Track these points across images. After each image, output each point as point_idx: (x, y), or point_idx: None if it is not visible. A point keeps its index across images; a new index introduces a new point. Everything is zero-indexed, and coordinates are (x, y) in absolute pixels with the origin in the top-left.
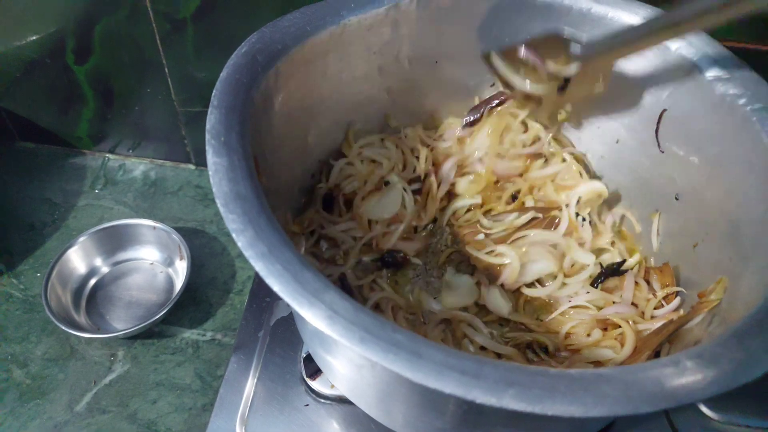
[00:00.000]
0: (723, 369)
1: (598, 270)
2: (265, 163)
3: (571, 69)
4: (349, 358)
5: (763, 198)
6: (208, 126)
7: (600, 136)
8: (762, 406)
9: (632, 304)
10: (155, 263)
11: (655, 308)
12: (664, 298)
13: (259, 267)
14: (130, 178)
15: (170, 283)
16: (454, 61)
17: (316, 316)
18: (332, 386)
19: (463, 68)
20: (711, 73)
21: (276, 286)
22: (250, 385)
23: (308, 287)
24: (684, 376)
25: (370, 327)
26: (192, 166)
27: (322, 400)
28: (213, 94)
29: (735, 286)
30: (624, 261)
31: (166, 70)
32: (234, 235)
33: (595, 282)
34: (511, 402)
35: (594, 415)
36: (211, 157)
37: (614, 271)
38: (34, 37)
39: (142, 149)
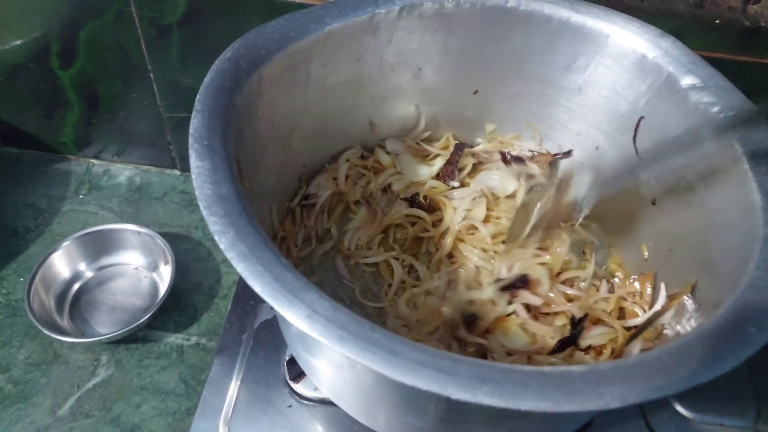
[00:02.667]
0: (690, 366)
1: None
2: (248, 167)
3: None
4: (330, 359)
5: (733, 203)
6: (191, 130)
7: (580, 143)
8: (735, 404)
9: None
10: (140, 268)
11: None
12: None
13: (241, 268)
14: (115, 184)
15: (155, 287)
16: (438, 68)
17: (296, 316)
18: (315, 389)
19: (446, 76)
20: (686, 82)
21: (257, 286)
22: (233, 387)
23: (288, 287)
24: (653, 373)
25: (349, 326)
26: (177, 172)
27: (305, 402)
28: (197, 98)
29: (706, 289)
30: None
31: (152, 75)
32: (216, 237)
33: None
34: (485, 398)
35: (565, 410)
36: (194, 161)
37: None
38: (17, 42)
39: (127, 155)
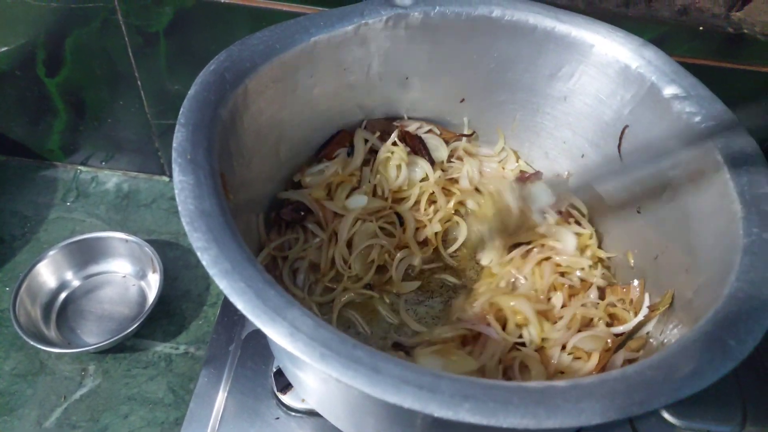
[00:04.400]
0: (671, 381)
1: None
2: (233, 179)
3: None
4: (316, 372)
5: (715, 213)
6: (174, 144)
7: (566, 151)
8: (721, 410)
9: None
10: (128, 276)
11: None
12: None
13: (223, 285)
14: (103, 191)
15: (143, 296)
16: (425, 77)
17: (278, 333)
18: (303, 401)
19: (433, 84)
20: (668, 91)
21: (239, 303)
22: (220, 398)
23: (270, 304)
24: (633, 388)
25: (331, 343)
26: (166, 178)
27: (293, 413)
28: (180, 112)
29: (690, 298)
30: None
31: (139, 83)
32: (198, 253)
33: None
34: (466, 415)
35: (547, 427)
36: (177, 176)
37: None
38: (3, 49)
39: (115, 161)
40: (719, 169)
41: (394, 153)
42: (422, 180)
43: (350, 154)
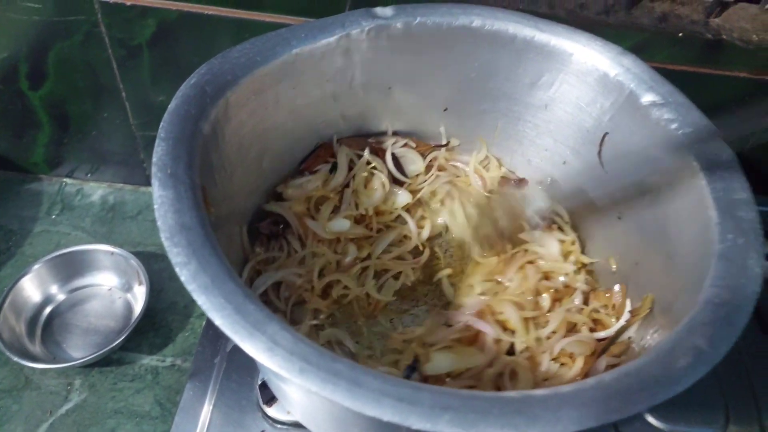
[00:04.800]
0: (647, 388)
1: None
2: (216, 193)
3: None
4: (298, 386)
5: (692, 219)
6: (154, 158)
7: (548, 158)
8: (705, 412)
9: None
10: (113, 289)
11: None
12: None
13: (201, 300)
14: (88, 203)
15: (129, 309)
16: (408, 87)
17: (256, 349)
18: (288, 413)
19: (416, 94)
20: (647, 99)
21: (217, 319)
22: (206, 411)
23: (250, 319)
24: (610, 395)
25: (311, 357)
26: (151, 190)
27: (279, 426)
28: (160, 126)
29: (670, 303)
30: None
31: (123, 94)
32: (177, 269)
33: None
34: (446, 427)
35: None
36: (156, 190)
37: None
38: None
39: (100, 173)
40: (696, 176)
41: (374, 173)
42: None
43: (332, 170)
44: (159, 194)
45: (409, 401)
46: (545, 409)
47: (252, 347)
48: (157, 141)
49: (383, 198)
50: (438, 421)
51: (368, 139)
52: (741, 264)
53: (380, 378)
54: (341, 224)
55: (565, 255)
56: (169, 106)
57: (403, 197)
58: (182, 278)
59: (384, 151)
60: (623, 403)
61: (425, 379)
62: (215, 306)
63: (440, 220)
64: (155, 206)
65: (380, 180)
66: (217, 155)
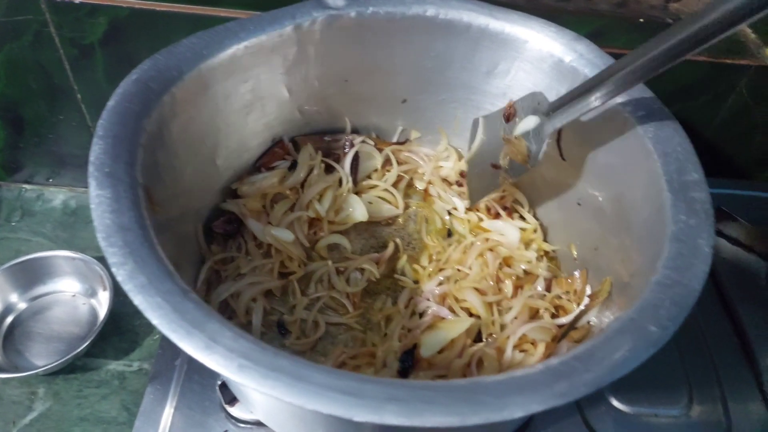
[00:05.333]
0: (592, 370)
1: None
2: (164, 191)
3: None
4: (238, 383)
5: (648, 201)
6: (91, 157)
7: None
8: (668, 394)
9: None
10: (77, 295)
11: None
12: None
13: (138, 301)
14: (49, 208)
15: (94, 314)
16: (364, 79)
17: (194, 347)
18: (251, 411)
19: (373, 86)
20: None
21: (154, 318)
22: (167, 414)
23: (188, 317)
24: (556, 379)
25: (252, 354)
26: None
27: (242, 426)
28: (98, 123)
29: (626, 285)
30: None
31: (78, 95)
32: (113, 269)
33: None
34: (391, 418)
35: (472, 423)
36: (93, 190)
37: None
38: None
39: (60, 177)
40: (649, 158)
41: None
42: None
43: (291, 168)
44: (96, 194)
45: (354, 394)
46: (490, 395)
47: (190, 346)
48: (94, 139)
49: (334, 204)
50: (383, 413)
51: (325, 137)
52: (692, 244)
53: (324, 372)
54: (284, 234)
55: (527, 243)
56: (108, 103)
57: (359, 212)
58: (118, 278)
59: (339, 156)
60: (569, 386)
61: (418, 362)
62: (151, 305)
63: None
64: (92, 206)
65: (332, 189)
66: (164, 153)
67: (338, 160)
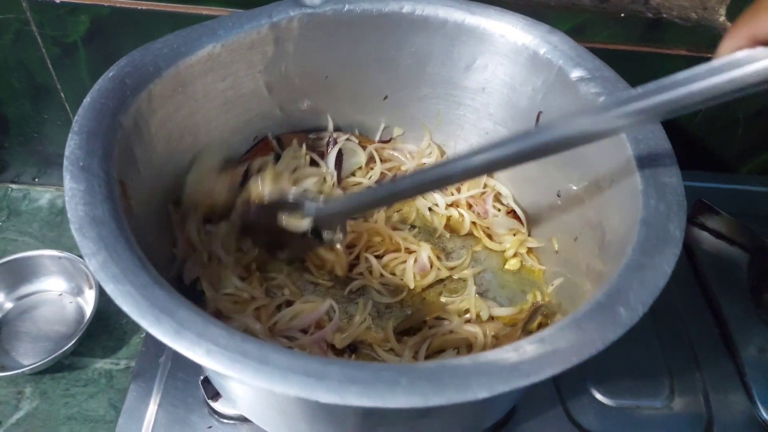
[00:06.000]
0: (560, 351)
1: None
2: (141, 186)
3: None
4: (206, 366)
5: (621, 189)
6: (66, 152)
7: (485, 138)
8: (650, 386)
9: None
10: (64, 294)
11: None
12: None
13: (110, 289)
14: (35, 208)
15: (81, 313)
16: (345, 75)
17: (163, 332)
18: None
19: (354, 83)
20: (575, 75)
21: (124, 305)
22: (151, 412)
23: (158, 304)
24: (523, 360)
25: (219, 339)
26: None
27: (226, 421)
28: (74, 119)
29: (599, 272)
30: None
31: (62, 94)
32: (86, 259)
33: None
34: (354, 399)
35: (434, 404)
36: (68, 183)
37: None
38: None
39: (47, 177)
40: (623, 146)
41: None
42: None
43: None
44: (70, 186)
45: (317, 376)
46: (454, 376)
47: (159, 331)
48: (69, 135)
49: None
50: (346, 394)
51: (309, 135)
52: (662, 228)
53: (289, 355)
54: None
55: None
56: (84, 100)
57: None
58: (91, 268)
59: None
60: (535, 366)
61: None
62: (122, 293)
63: None
64: (66, 198)
65: (317, 185)
66: (141, 149)
67: (322, 157)
